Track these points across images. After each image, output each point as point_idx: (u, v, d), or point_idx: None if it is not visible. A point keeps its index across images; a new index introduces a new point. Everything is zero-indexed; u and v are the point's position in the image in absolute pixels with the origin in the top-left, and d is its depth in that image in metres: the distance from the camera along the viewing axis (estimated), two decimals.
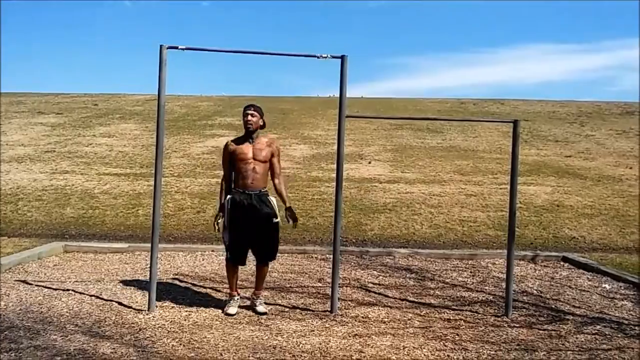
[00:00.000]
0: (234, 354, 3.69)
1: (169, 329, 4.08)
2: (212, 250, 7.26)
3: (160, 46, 4.46)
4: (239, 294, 4.83)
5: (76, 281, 5.51)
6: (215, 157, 14.53)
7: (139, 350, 3.69)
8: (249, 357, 3.65)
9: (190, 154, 15.08)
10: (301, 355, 3.68)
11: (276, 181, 4.82)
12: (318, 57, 4.67)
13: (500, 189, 11.88)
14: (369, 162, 14.18)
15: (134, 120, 20.78)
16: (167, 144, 16.63)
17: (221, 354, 3.65)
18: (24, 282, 5.37)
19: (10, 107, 23.96)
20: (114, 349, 3.71)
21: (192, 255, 6.99)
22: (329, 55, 4.65)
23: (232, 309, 4.65)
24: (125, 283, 5.50)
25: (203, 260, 6.76)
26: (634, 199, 11.25)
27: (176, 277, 5.80)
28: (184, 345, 3.81)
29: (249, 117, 4.73)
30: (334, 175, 12.91)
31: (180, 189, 11.42)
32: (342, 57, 4.65)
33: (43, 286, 5.25)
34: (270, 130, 17.92)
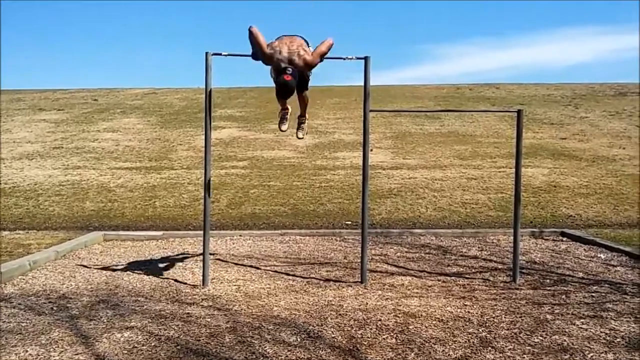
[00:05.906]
0: (289, 312, 4.34)
1: (226, 299, 4.70)
2: (240, 235, 7.87)
3: (206, 53, 5.04)
4: (288, 110, 5.72)
5: (128, 264, 6.12)
6: (220, 149, 15.01)
7: (212, 312, 4.29)
8: (303, 315, 4.28)
9: (195, 146, 15.47)
10: (346, 313, 4.33)
11: None
12: (344, 59, 5.24)
13: (500, 172, 12.46)
14: (371, 150, 14.79)
15: (136, 115, 21.11)
16: (172, 137, 17.09)
17: (279, 314, 4.29)
18: (84, 266, 5.98)
19: (9, 104, 24.21)
20: (191, 312, 4.31)
21: (222, 239, 7.58)
22: (354, 57, 5.23)
23: (284, 126, 5.76)
24: (172, 264, 6.11)
25: (234, 244, 7.36)
26: (627, 178, 11.87)
27: (217, 258, 6.41)
28: (244, 309, 4.45)
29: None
30: (339, 163, 13.46)
31: (192, 180, 11.92)
32: (366, 58, 5.23)
33: (101, 269, 5.86)
34: (270, 120, 18.37)
